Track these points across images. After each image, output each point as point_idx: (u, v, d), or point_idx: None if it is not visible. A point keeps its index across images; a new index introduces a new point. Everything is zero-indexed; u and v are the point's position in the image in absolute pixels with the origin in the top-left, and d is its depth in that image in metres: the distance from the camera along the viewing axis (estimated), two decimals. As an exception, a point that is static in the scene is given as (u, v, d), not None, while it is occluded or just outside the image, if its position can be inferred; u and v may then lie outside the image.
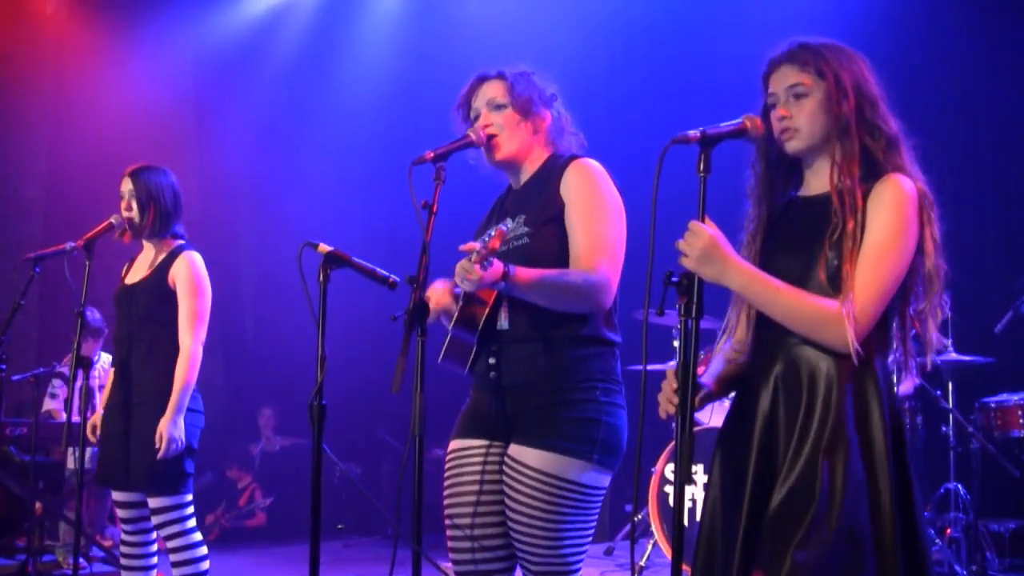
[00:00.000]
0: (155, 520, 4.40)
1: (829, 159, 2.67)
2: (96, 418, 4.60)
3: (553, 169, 3.21)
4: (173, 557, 4.42)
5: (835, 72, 2.65)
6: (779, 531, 2.50)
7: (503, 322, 3.08)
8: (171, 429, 4.29)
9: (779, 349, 2.62)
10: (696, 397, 2.60)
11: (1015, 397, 6.26)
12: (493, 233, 2.80)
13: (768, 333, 2.66)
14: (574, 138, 3.33)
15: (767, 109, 2.74)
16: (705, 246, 2.49)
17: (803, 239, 2.65)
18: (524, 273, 2.90)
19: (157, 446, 4.28)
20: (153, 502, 4.38)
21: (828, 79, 2.64)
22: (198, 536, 4.46)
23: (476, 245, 2.78)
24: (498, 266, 2.83)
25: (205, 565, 4.46)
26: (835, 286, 2.54)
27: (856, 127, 2.64)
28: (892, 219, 2.55)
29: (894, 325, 2.66)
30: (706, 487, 2.79)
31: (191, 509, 4.45)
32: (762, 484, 2.57)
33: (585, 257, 3.05)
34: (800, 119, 2.66)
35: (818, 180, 2.71)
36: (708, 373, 2.79)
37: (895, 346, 2.67)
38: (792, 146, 2.68)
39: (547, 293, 2.98)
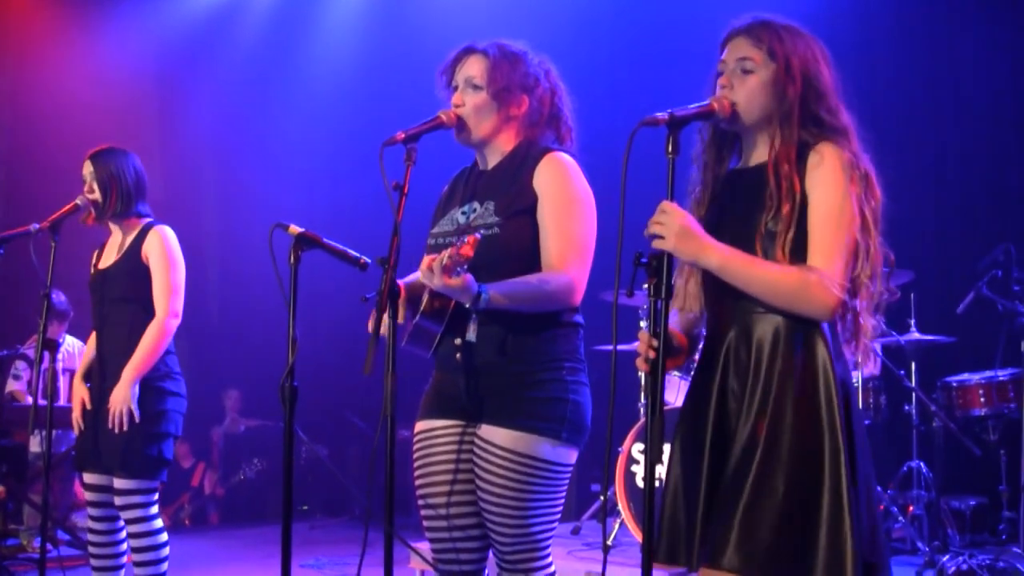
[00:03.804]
0: (118, 501, 4.36)
1: (767, 139, 2.69)
2: (79, 403, 4.53)
3: (525, 158, 3.20)
4: (134, 543, 4.39)
5: (787, 55, 2.65)
6: (726, 500, 2.54)
7: (471, 335, 3.07)
8: (118, 396, 4.28)
9: (732, 319, 2.65)
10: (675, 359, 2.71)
11: (976, 376, 6.35)
12: (467, 239, 2.78)
13: (722, 306, 2.68)
14: (556, 125, 3.30)
15: (718, 76, 2.74)
16: (682, 225, 2.50)
17: (740, 212, 2.67)
18: (496, 293, 2.91)
19: (111, 419, 4.27)
20: (119, 483, 4.34)
21: (778, 61, 2.65)
22: (159, 523, 4.43)
23: (445, 255, 2.78)
24: (471, 285, 2.84)
25: (165, 551, 4.44)
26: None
27: (798, 114, 2.64)
28: (835, 184, 2.57)
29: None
30: (666, 468, 2.80)
31: (156, 496, 4.43)
32: (719, 457, 2.61)
33: (556, 257, 3.07)
34: (740, 93, 2.66)
35: (757, 153, 2.73)
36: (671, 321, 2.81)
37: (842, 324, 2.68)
38: (731, 120, 2.68)
39: (519, 305, 3.01)
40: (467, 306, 2.93)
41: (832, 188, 2.57)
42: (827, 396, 2.55)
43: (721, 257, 2.54)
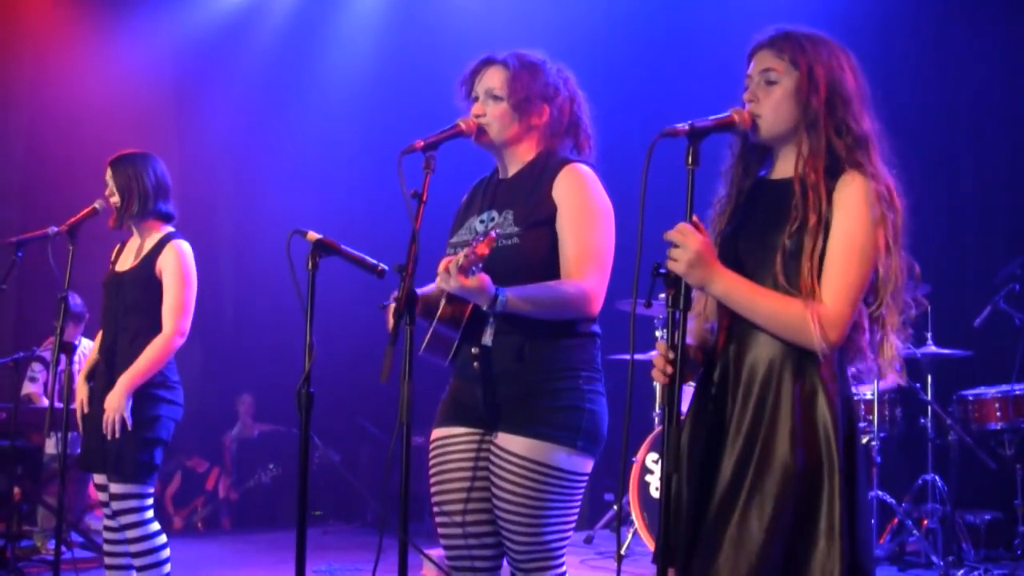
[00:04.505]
0: (114, 505, 4.38)
1: (794, 151, 2.67)
2: (79, 404, 4.57)
3: (545, 168, 3.21)
4: (133, 547, 4.40)
5: (810, 64, 2.64)
6: (716, 514, 2.55)
7: (487, 338, 3.07)
8: (112, 404, 4.28)
9: (734, 329, 2.65)
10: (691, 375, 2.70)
11: (992, 390, 6.32)
12: (482, 238, 2.79)
13: (728, 317, 2.67)
14: (575, 133, 3.31)
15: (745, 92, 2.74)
16: (696, 251, 2.49)
17: (762, 226, 2.66)
18: (514, 298, 2.92)
19: (104, 425, 4.29)
20: (114, 487, 4.37)
21: (801, 70, 2.64)
22: (156, 526, 4.44)
23: (461, 256, 2.79)
24: (487, 286, 2.85)
25: (166, 553, 4.44)
26: (790, 280, 2.56)
27: (825, 122, 2.63)
28: (858, 218, 2.55)
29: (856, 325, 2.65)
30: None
31: (150, 501, 4.44)
32: (712, 467, 2.61)
33: (576, 267, 3.08)
34: (765, 105, 2.66)
35: (784, 166, 2.72)
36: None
37: (856, 348, 2.67)
38: (754, 132, 2.68)
39: (537, 311, 3.01)
40: (484, 308, 2.93)
41: (855, 221, 2.55)
42: (824, 415, 2.54)
43: (725, 286, 2.55)
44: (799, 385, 2.55)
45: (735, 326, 2.65)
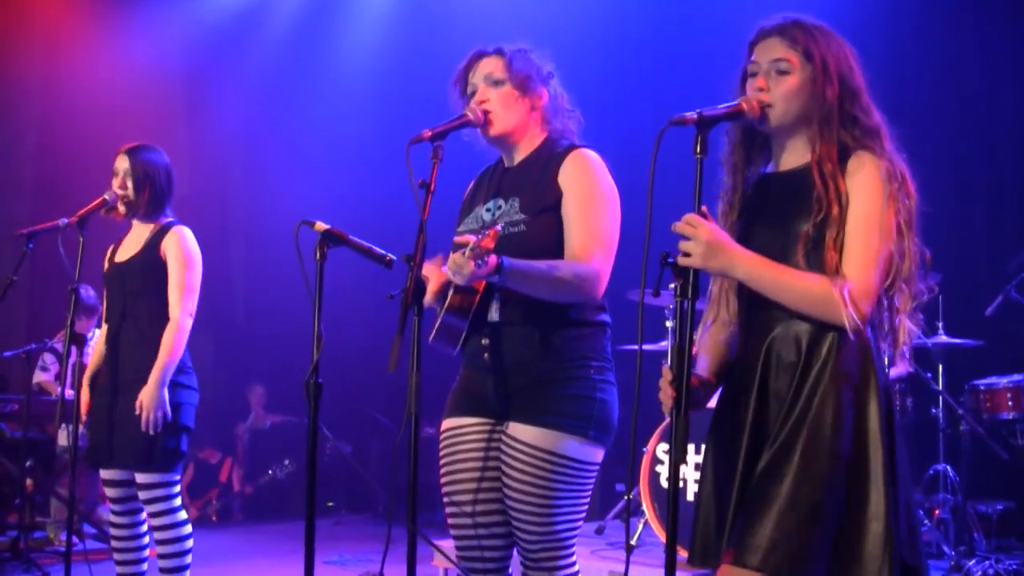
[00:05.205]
0: (142, 496, 4.40)
1: (803, 140, 2.66)
2: (84, 397, 4.59)
3: (551, 155, 3.21)
4: (158, 535, 4.42)
5: (823, 56, 2.63)
6: (758, 499, 2.52)
7: (493, 314, 3.09)
8: (151, 401, 4.28)
9: (774, 323, 2.62)
10: (706, 395, 2.70)
11: (1004, 380, 6.29)
12: (487, 232, 2.79)
13: (759, 312, 2.65)
14: (570, 118, 3.33)
15: (745, 76, 2.72)
16: (710, 241, 2.48)
17: (780, 217, 2.65)
18: (519, 267, 2.91)
19: (144, 423, 4.28)
20: (141, 478, 4.37)
21: (815, 62, 2.62)
22: (183, 515, 4.46)
23: (471, 239, 2.78)
24: (492, 259, 2.84)
25: (189, 543, 4.46)
26: (812, 267, 2.55)
27: (838, 115, 2.62)
28: (873, 195, 2.55)
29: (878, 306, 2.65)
30: (701, 470, 2.78)
31: (178, 488, 4.46)
32: (754, 459, 2.58)
33: (580, 249, 3.07)
34: (776, 94, 2.64)
35: (791, 157, 2.71)
36: (700, 367, 2.79)
37: (881, 331, 2.66)
38: (763, 121, 2.66)
39: (540, 286, 3.01)
40: (490, 280, 2.91)
41: (870, 198, 2.55)
42: (871, 401, 2.53)
43: (748, 266, 2.53)
44: (852, 372, 2.54)
45: (774, 314, 2.61)
